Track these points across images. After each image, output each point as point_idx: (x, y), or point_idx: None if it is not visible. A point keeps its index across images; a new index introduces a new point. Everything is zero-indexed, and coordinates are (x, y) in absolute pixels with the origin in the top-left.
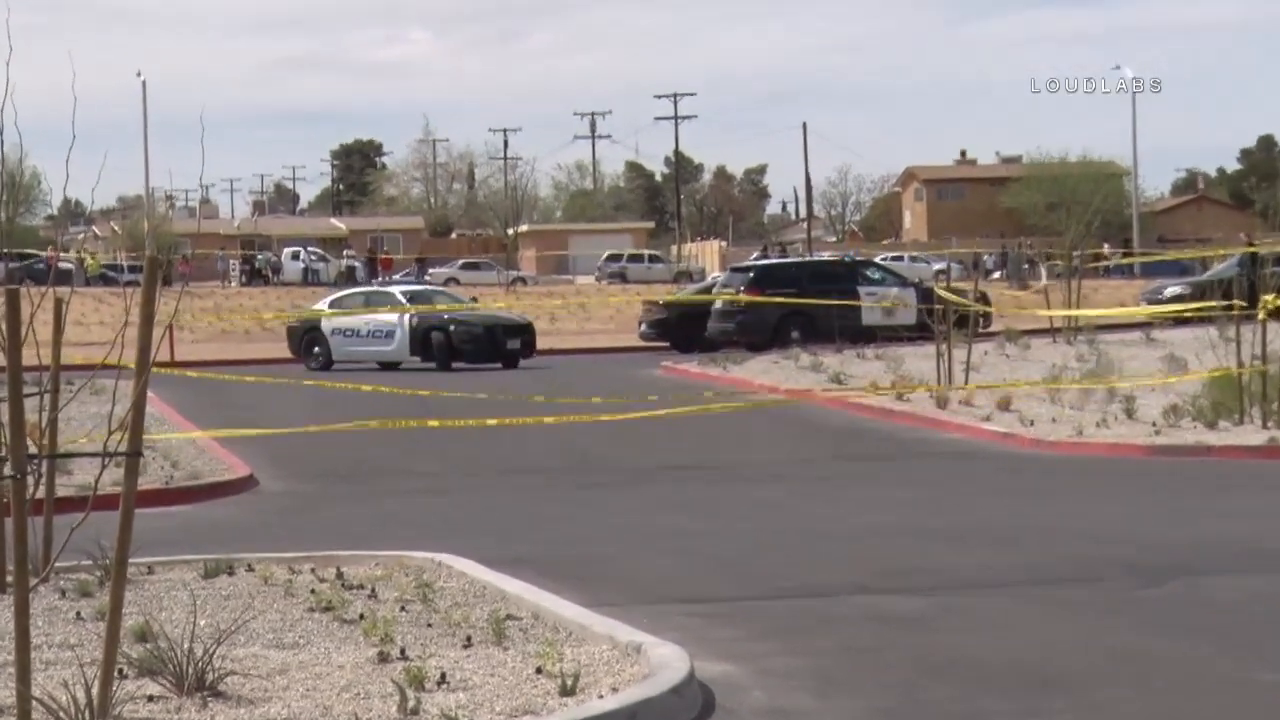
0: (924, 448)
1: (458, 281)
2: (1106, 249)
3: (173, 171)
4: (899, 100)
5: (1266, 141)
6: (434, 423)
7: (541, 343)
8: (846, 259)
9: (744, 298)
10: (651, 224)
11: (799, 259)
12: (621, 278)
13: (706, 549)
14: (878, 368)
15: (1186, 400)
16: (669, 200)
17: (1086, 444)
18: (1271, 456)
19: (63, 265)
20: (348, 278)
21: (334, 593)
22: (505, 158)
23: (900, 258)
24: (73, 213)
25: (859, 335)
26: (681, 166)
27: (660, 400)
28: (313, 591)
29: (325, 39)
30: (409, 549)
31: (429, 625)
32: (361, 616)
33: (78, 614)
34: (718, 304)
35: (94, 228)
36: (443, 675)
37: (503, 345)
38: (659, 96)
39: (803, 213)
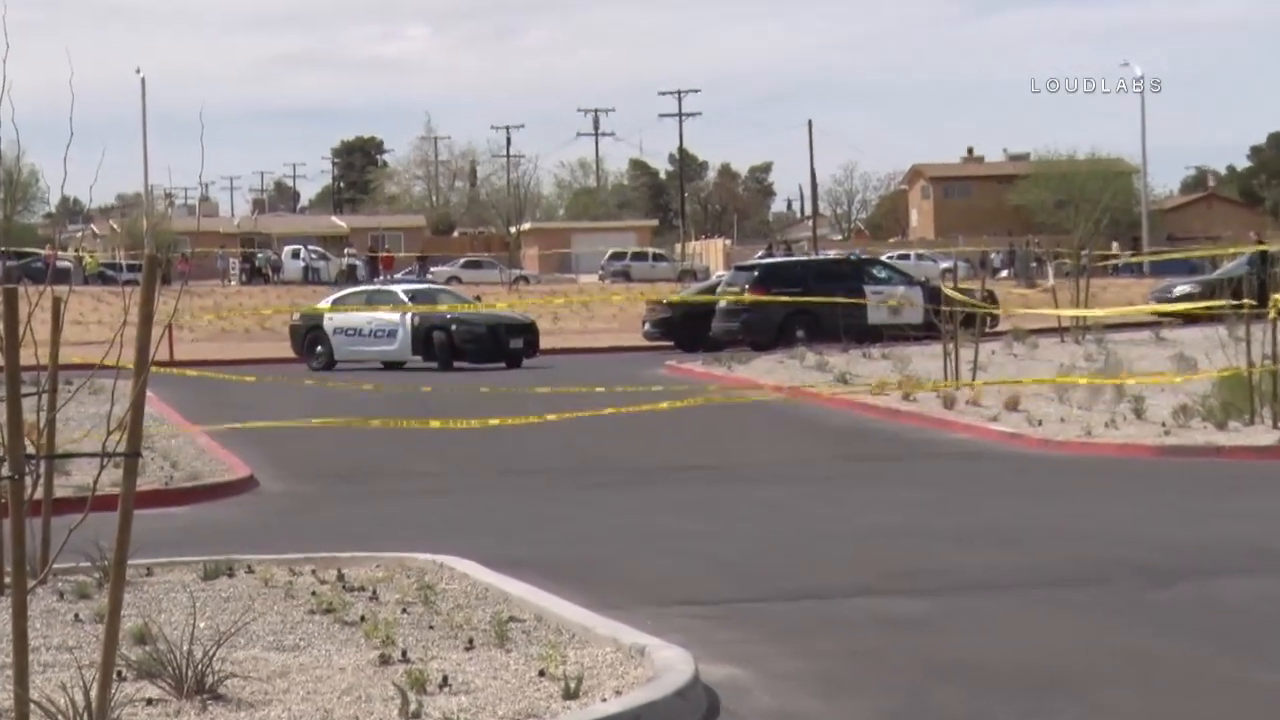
0: (930, 448)
1: (460, 280)
2: (1115, 247)
3: (172, 169)
4: (905, 97)
5: (1277, 139)
6: (435, 423)
7: (544, 342)
8: (852, 257)
9: (749, 297)
10: (655, 222)
11: (804, 257)
12: (625, 276)
13: (710, 550)
14: (884, 367)
15: (1196, 400)
16: (673, 198)
17: (1095, 444)
18: None
19: (61, 264)
20: (348, 276)
21: (335, 594)
22: (508, 155)
23: (907, 256)
24: (71, 211)
25: (865, 335)
26: (685, 164)
27: (663, 393)
28: (313, 593)
29: (322, 35)
30: (409, 550)
31: (431, 627)
32: (363, 618)
33: (76, 616)
34: (722, 303)
35: (92, 226)
36: (444, 678)
37: (505, 345)
38: (663, 93)
39: (808, 210)
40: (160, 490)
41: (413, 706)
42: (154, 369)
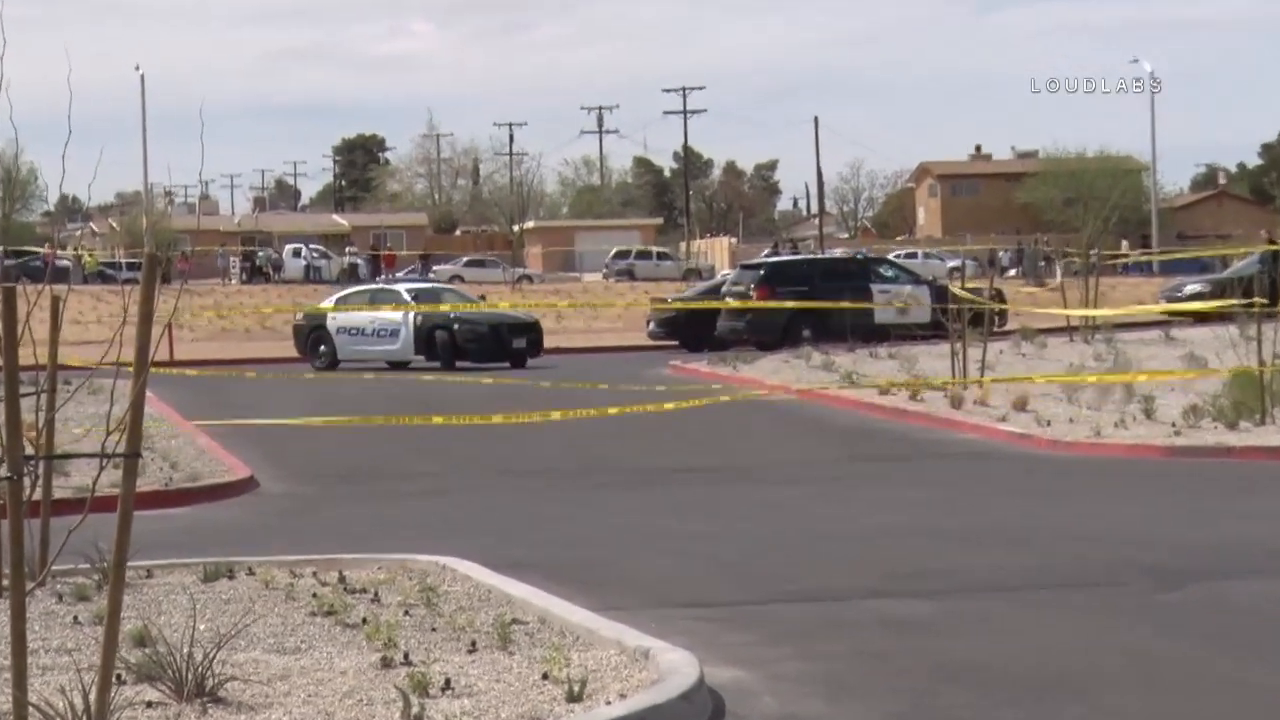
0: (938, 448)
1: (462, 279)
2: (1125, 246)
3: (172, 167)
4: (911, 95)
5: None
6: (438, 419)
7: (548, 341)
8: (859, 256)
9: (755, 302)
10: (660, 220)
11: (810, 256)
12: (629, 275)
13: (714, 551)
14: (891, 367)
15: (1206, 400)
16: (678, 196)
17: (1104, 444)
18: None
19: (60, 262)
20: (350, 275)
21: (336, 596)
22: (510, 153)
23: (914, 254)
24: (70, 209)
25: (872, 334)
26: (690, 162)
27: (667, 393)
28: (314, 595)
29: (326, 31)
30: (410, 551)
31: (433, 630)
32: (364, 621)
33: (75, 618)
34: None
35: (92, 224)
36: (447, 681)
37: (509, 344)
38: (667, 90)
39: (814, 209)
40: (160, 491)
41: (415, 710)
42: (154, 369)
